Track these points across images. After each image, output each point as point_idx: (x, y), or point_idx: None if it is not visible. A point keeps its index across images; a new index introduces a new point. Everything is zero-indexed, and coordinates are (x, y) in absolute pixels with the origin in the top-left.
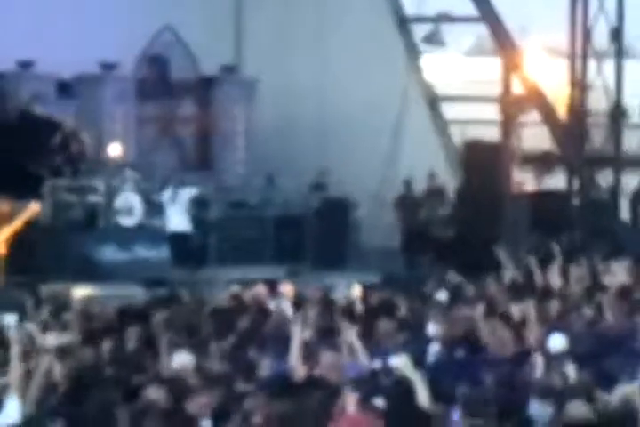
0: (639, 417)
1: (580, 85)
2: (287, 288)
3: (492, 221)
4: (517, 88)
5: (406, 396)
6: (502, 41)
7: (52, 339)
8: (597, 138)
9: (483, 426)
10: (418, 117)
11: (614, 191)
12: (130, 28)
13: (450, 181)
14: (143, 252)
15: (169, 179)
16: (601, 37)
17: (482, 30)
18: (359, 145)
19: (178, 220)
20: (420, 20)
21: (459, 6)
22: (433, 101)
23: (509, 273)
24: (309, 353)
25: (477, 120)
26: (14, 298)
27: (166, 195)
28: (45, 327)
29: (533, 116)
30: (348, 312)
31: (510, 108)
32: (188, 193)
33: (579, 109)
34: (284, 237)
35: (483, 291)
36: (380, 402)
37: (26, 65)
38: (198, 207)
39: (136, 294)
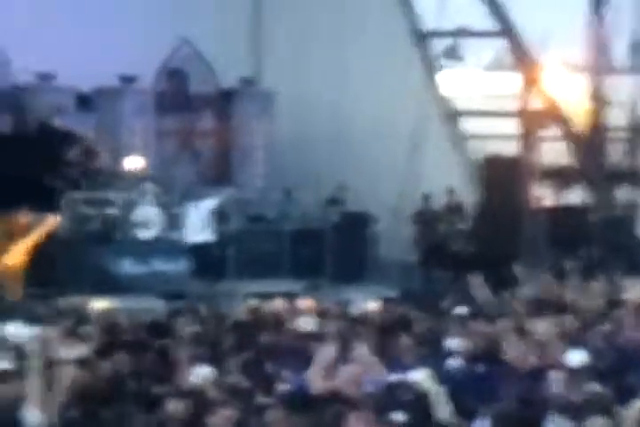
0: None
1: (598, 100)
2: (307, 303)
3: (510, 236)
4: (536, 103)
5: (426, 410)
6: (521, 56)
7: (70, 352)
8: (616, 153)
9: None
10: (436, 132)
11: (632, 207)
12: (149, 41)
13: (469, 196)
14: (161, 265)
15: (188, 192)
16: (620, 52)
17: (501, 45)
18: (377, 159)
19: (198, 231)
20: (439, 34)
21: (478, 21)
22: (452, 116)
23: (527, 289)
24: (329, 368)
25: (496, 135)
26: (33, 311)
27: (187, 207)
28: (64, 340)
29: (552, 131)
30: (366, 327)
31: (529, 123)
32: (209, 204)
33: (598, 124)
34: (301, 250)
35: (502, 306)
36: (398, 417)
37: (45, 77)
38: (217, 220)
39: (155, 306)
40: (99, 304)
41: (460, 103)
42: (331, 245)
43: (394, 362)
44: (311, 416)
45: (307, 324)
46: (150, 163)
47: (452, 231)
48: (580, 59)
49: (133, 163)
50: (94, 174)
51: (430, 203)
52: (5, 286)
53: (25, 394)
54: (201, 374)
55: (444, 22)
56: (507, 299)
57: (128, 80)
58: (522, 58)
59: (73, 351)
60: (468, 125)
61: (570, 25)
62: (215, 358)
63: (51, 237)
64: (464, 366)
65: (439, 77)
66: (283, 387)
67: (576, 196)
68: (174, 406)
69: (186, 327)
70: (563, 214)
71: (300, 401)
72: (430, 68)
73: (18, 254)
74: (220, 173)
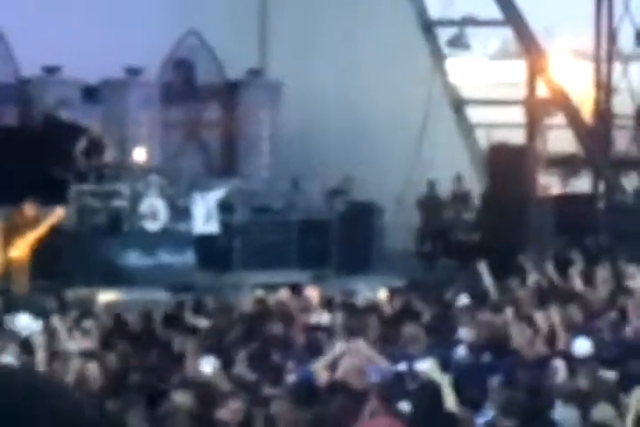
0: None
1: (605, 88)
2: (313, 293)
3: (517, 224)
4: (543, 91)
5: (433, 400)
6: (527, 44)
7: (76, 344)
8: (623, 141)
9: None
10: (443, 121)
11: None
12: (155, 32)
13: (475, 185)
14: (167, 257)
15: (194, 183)
16: (626, 40)
17: (507, 33)
18: (384, 149)
19: (205, 222)
20: (446, 23)
21: (484, 10)
22: (458, 105)
23: (533, 278)
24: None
25: (503, 123)
26: (39, 303)
27: (193, 198)
28: (70, 332)
29: (559, 118)
30: (372, 317)
31: (535, 111)
32: (215, 195)
33: (604, 112)
34: (308, 241)
35: (508, 295)
36: (405, 406)
37: (51, 70)
38: (223, 212)
39: (161, 298)
40: (105, 296)
41: (467, 92)
42: (337, 236)
43: (400, 352)
44: (316, 408)
45: (318, 318)
46: (156, 154)
47: (457, 220)
48: (586, 46)
49: (139, 154)
50: (102, 167)
51: (435, 190)
52: (12, 278)
53: None
54: (208, 365)
55: (451, 11)
56: (513, 288)
57: (134, 72)
58: (528, 46)
59: (78, 344)
60: (475, 114)
61: (576, 13)
62: (222, 350)
63: (57, 230)
64: (470, 356)
65: (446, 66)
66: (289, 378)
67: (582, 184)
68: (181, 398)
69: (194, 319)
70: (569, 202)
71: (306, 393)
72: (437, 57)
73: (24, 247)
74: (226, 164)
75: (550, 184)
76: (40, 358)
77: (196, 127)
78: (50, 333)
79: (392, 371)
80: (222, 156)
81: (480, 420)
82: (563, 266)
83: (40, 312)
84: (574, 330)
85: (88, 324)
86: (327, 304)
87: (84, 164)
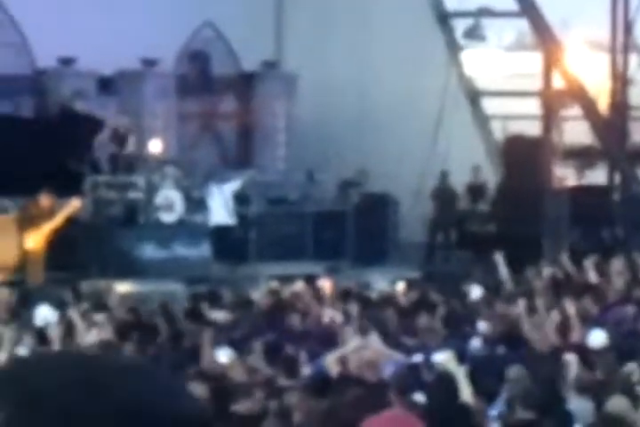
0: None
1: (621, 79)
2: (326, 284)
3: (532, 216)
4: (558, 82)
5: (448, 391)
6: (543, 35)
7: (92, 335)
8: (638, 132)
9: (527, 420)
10: (458, 112)
11: None
12: (170, 24)
13: (490, 176)
14: (183, 250)
15: (210, 175)
16: None
17: (523, 25)
18: (399, 140)
19: (221, 214)
20: (461, 14)
21: (499, 1)
22: (474, 96)
23: (548, 269)
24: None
25: (518, 115)
26: (55, 294)
27: (210, 189)
28: (85, 324)
29: (574, 110)
30: (388, 308)
31: (551, 103)
32: (231, 187)
33: (620, 104)
34: (323, 233)
35: (524, 287)
36: (420, 397)
37: (67, 62)
38: (239, 203)
39: (176, 290)
40: (121, 288)
41: (483, 83)
42: (352, 227)
43: (416, 343)
44: (330, 399)
45: (332, 310)
46: (172, 146)
47: (472, 211)
48: (602, 38)
49: (155, 146)
50: (123, 158)
51: (448, 181)
52: (27, 270)
53: None
54: (224, 356)
55: (466, 3)
56: (528, 279)
57: (149, 63)
58: (543, 37)
59: (93, 336)
60: (491, 105)
61: (592, 4)
62: (237, 342)
63: (73, 221)
64: (485, 348)
65: (461, 58)
66: (303, 370)
67: (598, 175)
68: (197, 390)
69: (209, 311)
70: (584, 194)
71: (320, 384)
72: (453, 48)
73: (40, 238)
74: (241, 156)
75: (566, 176)
76: (55, 349)
77: (212, 119)
78: (65, 324)
79: (406, 364)
80: (238, 147)
81: (493, 411)
82: (578, 257)
83: (55, 304)
84: (589, 322)
85: (102, 316)
86: (342, 296)
87: (106, 155)
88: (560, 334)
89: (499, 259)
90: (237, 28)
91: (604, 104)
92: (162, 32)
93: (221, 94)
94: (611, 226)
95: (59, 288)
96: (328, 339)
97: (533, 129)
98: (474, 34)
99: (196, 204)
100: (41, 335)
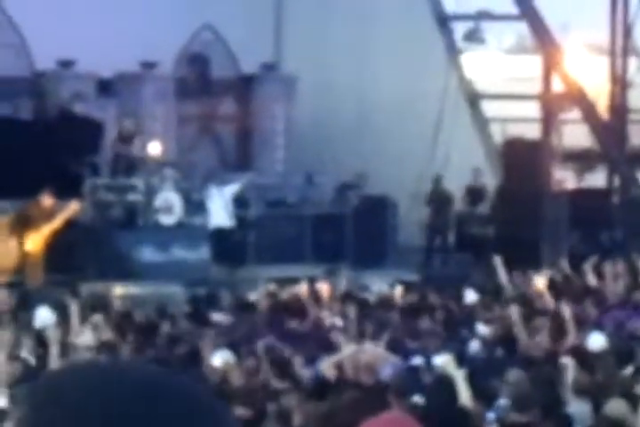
0: None
1: (620, 83)
2: (324, 287)
3: (531, 219)
4: (558, 86)
5: (447, 394)
6: (542, 38)
7: (88, 338)
8: (638, 135)
9: (526, 423)
10: (458, 115)
11: None
12: (170, 26)
13: (490, 179)
14: (182, 252)
15: (209, 177)
16: None
17: (522, 28)
18: (398, 143)
19: (221, 216)
20: (461, 17)
21: (499, 4)
22: (473, 99)
23: (547, 272)
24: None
25: (518, 118)
26: (54, 297)
27: (209, 191)
28: (83, 326)
29: (574, 113)
30: (387, 311)
31: (551, 106)
32: (231, 190)
33: (619, 107)
34: (322, 235)
35: (522, 290)
36: (418, 399)
37: (66, 64)
38: (238, 206)
39: (176, 293)
40: (120, 290)
41: (482, 86)
42: (351, 230)
43: (415, 346)
44: (328, 402)
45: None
46: (171, 148)
47: (471, 214)
48: (601, 41)
49: (154, 148)
50: (128, 159)
51: (442, 184)
52: (26, 272)
53: None
54: (220, 359)
55: (466, 5)
56: (527, 282)
57: (149, 66)
58: (543, 40)
59: (91, 338)
60: (490, 108)
61: (591, 7)
62: (236, 344)
63: (72, 224)
64: (484, 351)
65: (461, 61)
66: (301, 373)
67: (597, 178)
68: None
69: (209, 313)
70: (584, 197)
71: (319, 388)
72: (452, 51)
73: (39, 240)
74: (240, 158)
75: (565, 179)
76: (54, 351)
77: (211, 121)
78: (64, 327)
79: (405, 366)
80: (237, 150)
81: (492, 414)
82: (577, 261)
83: (54, 306)
84: (589, 325)
85: (102, 318)
86: (341, 299)
87: (112, 156)
88: (555, 338)
89: (497, 262)
90: (236, 30)
91: (603, 107)
92: (161, 34)
93: (220, 97)
94: (610, 229)
95: (58, 290)
96: (327, 341)
97: (533, 132)
98: (473, 37)
99: (196, 206)
100: (40, 337)
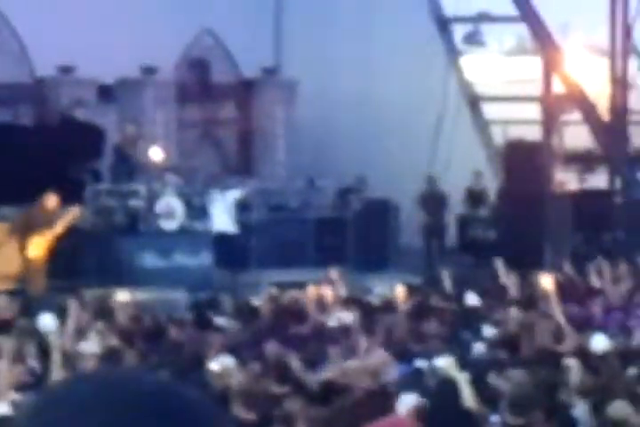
0: None
1: (621, 84)
2: (327, 290)
3: (534, 221)
4: (558, 87)
5: (450, 397)
6: (543, 40)
7: (91, 345)
8: (639, 136)
9: (531, 424)
10: (458, 118)
11: None
12: (170, 31)
13: (491, 181)
14: (184, 256)
15: (211, 182)
16: None
17: (522, 30)
18: (399, 146)
19: (223, 221)
20: (460, 20)
21: (499, 6)
22: (474, 101)
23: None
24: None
25: (518, 120)
26: (56, 302)
27: (212, 196)
28: (87, 332)
29: (575, 115)
30: (389, 314)
31: (551, 108)
32: (233, 195)
33: (620, 108)
34: (325, 239)
35: (526, 292)
36: (421, 402)
37: (67, 70)
38: (240, 210)
39: (178, 298)
40: (122, 296)
41: (482, 88)
42: (353, 234)
43: (418, 348)
44: (332, 405)
45: (333, 316)
46: (172, 153)
47: (473, 216)
48: (601, 42)
49: (155, 154)
50: (129, 165)
51: (436, 186)
52: (29, 278)
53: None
54: (221, 363)
55: (466, 8)
56: (531, 284)
57: (149, 71)
58: (543, 42)
59: (94, 345)
60: (491, 110)
61: (591, 8)
62: (238, 349)
63: (74, 229)
64: (488, 353)
65: (461, 63)
66: (302, 377)
67: (599, 180)
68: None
69: (212, 318)
70: (586, 199)
71: (323, 392)
72: (452, 53)
73: (41, 247)
74: (241, 163)
75: (567, 180)
76: (56, 358)
77: (212, 126)
78: (66, 333)
79: (409, 369)
80: (238, 154)
81: (495, 418)
82: (580, 262)
83: (57, 313)
84: (592, 326)
85: (105, 324)
86: (343, 302)
87: (114, 161)
88: (559, 340)
89: (499, 265)
90: (237, 35)
91: (604, 108)
92: (161, 40)
93: (221, 101)
94: (612, 230)
95: (60, 297)
96: (329, 345)
97: (534, 134)
98: (473, 39)
99: (197, 211)
100: (42, 344)
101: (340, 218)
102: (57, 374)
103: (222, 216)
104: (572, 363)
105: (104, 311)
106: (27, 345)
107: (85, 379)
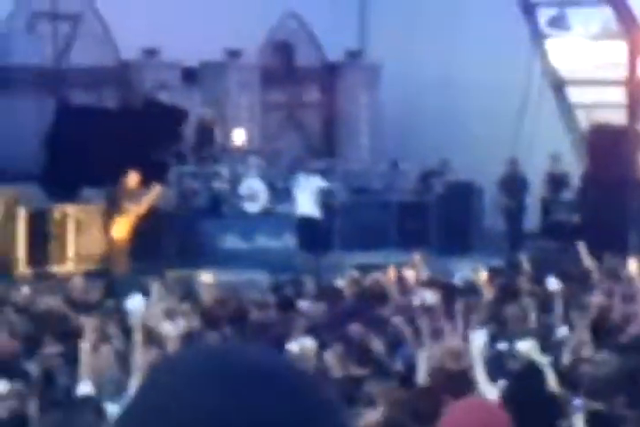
0: None
1: None
2: (410, 273)
3: (617, 205)
4: None
5: (535, 381)
6: (628, 24)
7: (173, 327)
8: None
9: (604, 410)
10: (543, 102)
11: None
12: (254, 14)
13: (575, 165)
14: (267, 239)
15: (296, 165)
16: None
17: (608, 14)
18: (483, 129)
19: (307, 205)
20: (546, 4)
21: None
22: (558, 85)
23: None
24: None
25: (603, 104)
26: (140, 284)
27: (297, 180)
28: (171, 314)
29: None
30: (473, 297)
31: (637, 92)
32: (317, 183)
33: None
34: (408, 222)
35: (609, 276)
36: (502, 384)
37: (151, 53)
38: (323, 193)
39: (261, 279)
40: (205, 278)
41: (567, 72)
42: (436, 216)
43: (501, 332)
44: (411, 389)
45: (416, 299)
46: (256, 136)
47: (555, 200)
48: None
49: (239, 136)
50: (208, 149)
51: (517, 168)
52: (113, 259)
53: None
54: (302, 345)
55: None
56: (616, 268)
57: (233, 54)
58: (628, 26)
59: (176, 327)
60: (575, 94)
61: None
62: (319, 331)
63: (157, 211)
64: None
65: (546, 47)
66: (383, 360)
67: None
68: None
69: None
70: None
71: (407, 374)
72: (537, 37)
73: (125, 228)
74: (325, 146)
75: None
76: (138, 340)
77: (296, 109)
78: (149, 314)
79: (490, 352)
80: (321, 137)
81: (579, 401)
82: None
83: (141, 293)
84: None
85: (188, 305)
86: (426, 284)
87: (193, 146)
88: None
89: (582, 249)
90: (321, 18)
91: None
92: (246, 23)
93: (305, 85)
94: None
95: (143, 278)
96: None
97: (618, 118)
98: (559, 23)
99: (281, 194)
100: (125, 325)
101: (423, 201)
102: (139, 355)
103: (306, 201)
104: None
105: (188, 293)
106: (110, 326)
107: (199, 350)
